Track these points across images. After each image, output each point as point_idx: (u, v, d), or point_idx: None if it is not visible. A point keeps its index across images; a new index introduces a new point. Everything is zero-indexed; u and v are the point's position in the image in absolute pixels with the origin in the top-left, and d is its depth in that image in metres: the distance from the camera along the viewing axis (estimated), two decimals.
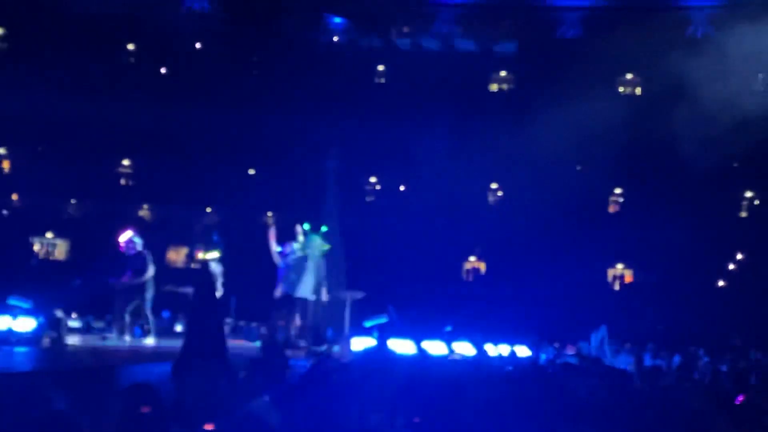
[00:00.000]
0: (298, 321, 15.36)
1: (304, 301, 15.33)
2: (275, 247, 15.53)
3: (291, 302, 15.30)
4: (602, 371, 11.28)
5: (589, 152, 35.17)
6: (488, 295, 33.60)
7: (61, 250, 39.03)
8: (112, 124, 35.07)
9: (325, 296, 15.67)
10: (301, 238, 15.82)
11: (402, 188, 39.38)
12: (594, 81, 35.60)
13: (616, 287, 38.40)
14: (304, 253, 15.68)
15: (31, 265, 36.26)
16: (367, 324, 17.42)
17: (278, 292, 15.59)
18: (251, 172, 39.05)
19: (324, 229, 16.15)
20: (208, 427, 4.19)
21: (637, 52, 36.34)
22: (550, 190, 34.39)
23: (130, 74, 38.24)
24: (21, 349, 12.37)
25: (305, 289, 15.38)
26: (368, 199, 39.55)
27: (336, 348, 13.95)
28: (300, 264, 15.51)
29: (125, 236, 15.08)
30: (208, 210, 34.99)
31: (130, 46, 39.69)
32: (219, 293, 15.41)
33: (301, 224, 16.10)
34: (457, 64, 38.16)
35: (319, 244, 15.72)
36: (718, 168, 35.73)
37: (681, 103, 33.64)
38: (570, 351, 20.83)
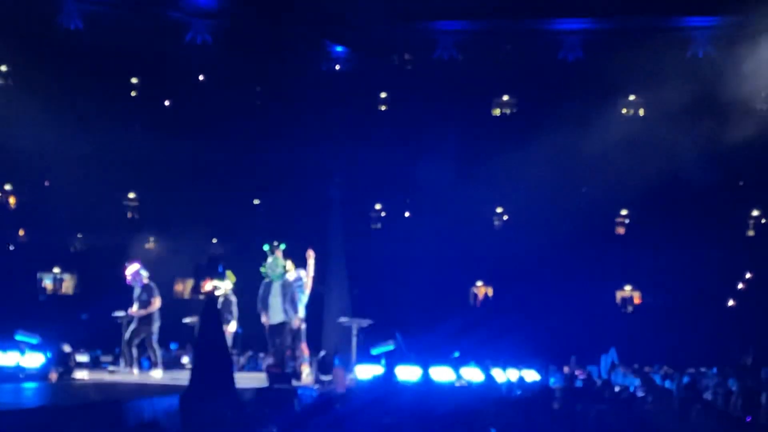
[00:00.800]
0: (299, 348, 15.14)
1: (278, 326, 15.04)
2: None
3: (279, 330, 15.05)
4: (612, 395, 11.24)
5: (594, 174, 35.24)
6: (496, 319, 33.47)
7: (68, 284, 39.06)
8: (116, 157, 35.21)
9: (296, 320, 15.11)
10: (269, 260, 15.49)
11: (407, 214, 39.39)
12: (597, 103, 35.72)
13: (625, 309, 38.26)
14: (268, 275, 15.40)
15: (39, 300, 36.29)
16: (375, 351, 17.38)
17: (264, 319, 15.40)
18: (256, 201, 39.13)
19: (282, 247, 15.54)
20: None
21: (639, 73, 36.45)
22: (556, 213, 34.39)
23: (134, 107, 38.43)
24: (29, 385, 12.35)
25: (274, 313, 15.08)
26: (374, 226, 39.55)
27: (329, 377, 13.67)
28: (267, 288, 15.31)
29: (132, 269, 15.13)
30: (214, 241, 34.98)
31: (134, 80, 39.89)
32: (234, 322, 15.52)
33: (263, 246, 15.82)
34: (460, 89, 38.25)
35: (280, 265, 15.28)
36: (724, 187, 35.75)
37: (685, 123, 33.72)
38: (579, 374, 20.73)
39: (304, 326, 15.21)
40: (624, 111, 39.82)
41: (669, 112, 33.86)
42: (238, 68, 38.10)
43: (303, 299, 15.27)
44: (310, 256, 15.44)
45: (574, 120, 33.88)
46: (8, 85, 37.50)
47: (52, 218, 35.17)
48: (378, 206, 39.72)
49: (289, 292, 15.05)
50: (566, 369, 24.39)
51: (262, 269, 15.43)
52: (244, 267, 16.92)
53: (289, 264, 15.38)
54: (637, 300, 38.56)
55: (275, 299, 14.94)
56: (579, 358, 26.72)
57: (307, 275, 15.34)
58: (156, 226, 37.03)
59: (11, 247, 37.91)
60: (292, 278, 15.26)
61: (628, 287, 38.61)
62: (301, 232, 32.89)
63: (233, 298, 15.71)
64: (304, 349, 15.13)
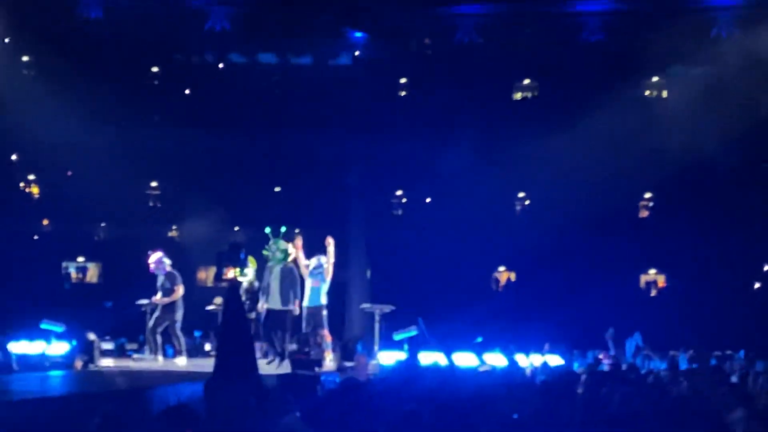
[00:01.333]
0: (322, 333, 15.02)
1: (277, 312, 14.78)
2: (303, 261, 15.36)
3: (277, 316, 14.86)
4: (637, 378, 11.16)
5: (617, 158, 34.98)
6: (519, 304, 33.43)
7: (92, 273, 39.31)
8: (138, 146, 35.32)
9: (296, 307, 14.85)
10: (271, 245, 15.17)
11: (428, 200, 39.29)
12: (619, 85, 35.43)
13: (650, 293, 38.07)
14: (270, 260, 15.08)
15: (64, 289, 36.54)
16: (397, 337, 17.38)
17: (261, 306, 15.20)
18: (277, 189, 39.16)
19: (283, 230, 15.20)
20: None
21: (662, 54, 36.06)
22: (578, 197, 34.21)
23: (154, 96, 38.49)
24: (54, 373, 12.43)
25: (273, 299, 14.80)
26: (395, 212, 39.49)
27: (352, 364, 13.61)
28: (268, 273, 15.05)
29: (155, 257, 15.18)
30: (236, 229, 35.05)
31: (154, 69, 39.95)
32: (262, 306, 15.32)
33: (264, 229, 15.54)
34: (480, 73, 38.04)
35: (281, 248, 15.00)
36: (749, 169, 35.42)
37: (709, 104, 33.40)
38: (604, 358, 20.65)
39: (325, 312, 15.16)
40: (647, 93, 39.48)
41: (693, 94, 33.58)
42: (257, 56, 38.11)
43: (324, 287, 15.20)
44: (330, 243, 15.32)
45: (596, 103, 33.63)
46: (29, 75, 37.63)
47: (76, 208, 35.34)
48: (399, 192, 39.63)
49: (289, 278, 14.81)
50: (590, 353, 24.29)
51: (264, 252, 15.21)
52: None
53: (291, 248, 15.12)
54: (661, 284, 38.37)
55: (275, 284, 14.71)
56: (603, 342, 26.60)
57: (328, 262, 15.24)
58: (178, 214, 37.19)
59: (35, 237, 38.17)
60: (313, 265, 15.21)
61: (652, 271, 38.42)
62: (322, 219, 32.96)
63: (256, 285, 15.64)
64: (327, 335, 15.07)
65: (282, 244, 14.99)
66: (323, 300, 15.04)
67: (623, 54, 35.34)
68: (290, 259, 15.11)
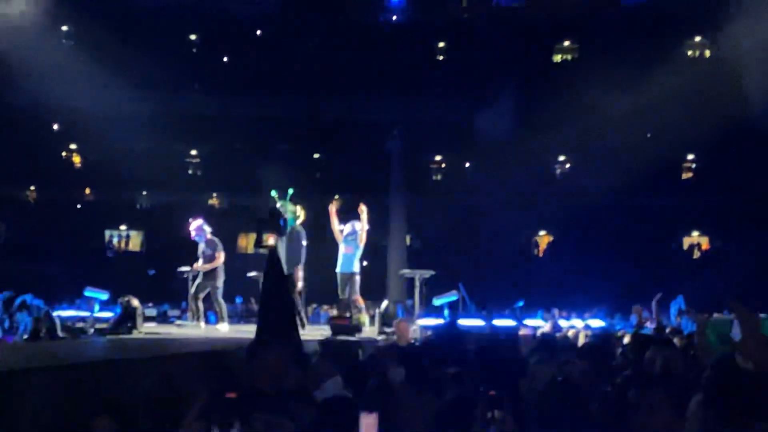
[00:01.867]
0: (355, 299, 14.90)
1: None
2: (337, 226, 15.24)
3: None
4: (680, 341, 11.06)
5: (659, 119, 34.56)
6: (560, 268, 33.27)
7: (135, 241, 39.72)
8: (178, 114, 35.51)
9: (299, 272, 14.09)
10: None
11: (467, 165, 39.17)
12: (661, 45, 34.94)
13: (692, 255, 37.72)
14: None
15: (107, 256, 36.99)
16: (437, 302, 17.37)
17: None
18: (316, 155, 39.22)
19: (290, 192, 14.57)
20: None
21: (704, 14, 35.49)
22: (620, 159, 33.90)
23: (194, 64, 38.63)
24: (98, 339, 12.59)
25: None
26: (434, 177, 39.42)
27: (392, 329, 13.49)
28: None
29: (195, 224, 15.22)
30: (273, 194, 35.21)
31: (192, 37, 40.05)
32: (301, 273, 15.05)
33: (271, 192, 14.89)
34: (520, 36, 37.69)
35: (290, 210, 14.26)
36: None
37: (752, 64, 32.79)
38: (647, 322, 20.50)
39: (358, 278, 15.06)
40: (689, 53, 38.91)
41: (735, 54, 33.02)
42: (295, 22, 38.04)
43: (357, 253, 15.09)
44: (363, 210, 15.06)
45: (637, 64, 33.22)
46: (70, 45, 37.87)
47: (118, 177, 35.67)
48: (438, 157, 39.53)
49: (296, 241, 14.13)
50: (632, 316, 24.08)
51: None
52: (304, 220, 16.88)
53: (299, 210, 14.55)
54: (705, 246, 38.01)
55: (281, 247, 13.67)
56: (647, 305, 26.40)
57: (362, 228, 15.03)
58: (218, 181, 37.41)
59: (78, 206, 38.60)
60: (347, 231, 15.03)
61: (695, 233, 38.05)
62: (361, 185, 32.96)
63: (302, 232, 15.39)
64: (359, 299, 15.02)
65: (290, 206, 14.35)
66: (356, 267, 14.89)
67: (665, 14, 34.80)
68: (298, 222, 14.51)
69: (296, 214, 14.33)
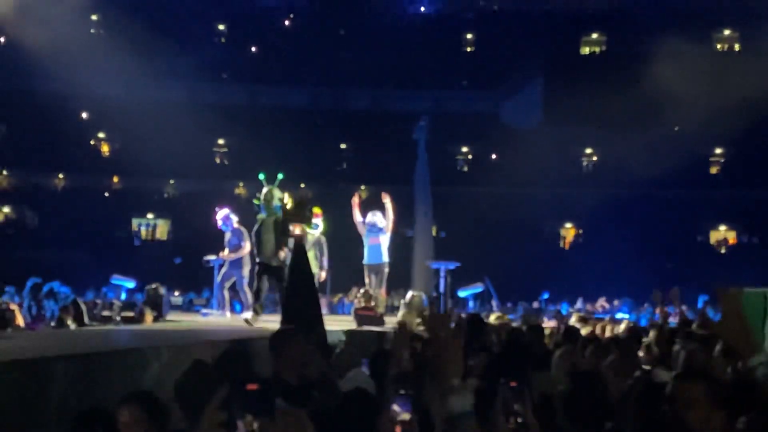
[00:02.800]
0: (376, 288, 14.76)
1: (267, 266, 12.89)
2: (358, 218, 15.14)
3: (269, 269, 13.02)
4: (705, 335, 11.00)
5: (687, 112, 34.26)
6: (586, 260, 33.12)
7: (161, 229, 39.90)
8: (206, 104, 35.65)
9: (279, 259, 12.76)
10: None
11: (494, 156, 39.04)
12: (690, 38, 34.64)
13: (719, 249, 37.45)
14: (261, 208, 13.21)
15: (134, 245, 37.19)
16: (462, 294, 17.36)
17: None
18: (343, 146, 39.25)
19: (280, 176, 13.39)
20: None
21: (733, 7, 35.20)
22: (647, 152, 33.68)
23: (222, 54, 38.74)
24: (124, 327, 12.67)
25: (267, 250, 12.89)
26: (460, 168, 39.33)
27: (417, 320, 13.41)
28: (260, 223, 13.17)
29: (222, 213, 15.26)
30: (302, 185, 35.29)
31: (221, 26, 40.17)
32: (325, 262, 15.00)
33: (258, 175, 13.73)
34: (547, 28, 37.51)
35: (276, 197, 13.08)
36: None
37: None
38: (672, 315, 20.41)
39: (386, 270, 14.99)
40: (718, 46, 38.56)
41: (764, 47, 32.70)
42: (323, 12, 38.06)
43: (383, 244, 14.99)
44: (387, 199, 14.88)
45: (664, 56, 32.93)
46: (100, 34, 38.09)
47: (145, 165, 35.84)
48: (465, 148, 39.43)
49: (279, 231, 12.84)
50: (658, 310, 23.95)
51: (256, 201, 13.54)
52: (331, 210, 16.90)
53: (287, 197, 13.33)
54: (732, 240, 37.71)
55: (267, 236, 12.93)
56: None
57: (387, 218, 14.90)
58: (245, 171, 37.49)
59: (106, 194, 38.86)
60: (370, 221, 14.91)
61: (723, 227, 37.76)
62: (387, 176, 32.95)
63: (323, 240, 15.47)
64: (382, 293, 14.98)
65: (277, 192, 13.17)
66: (385, 257, 14.83)
67: (693, 6, 34.51)
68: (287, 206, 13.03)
69: (283, 201, 13.07)
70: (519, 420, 2.90)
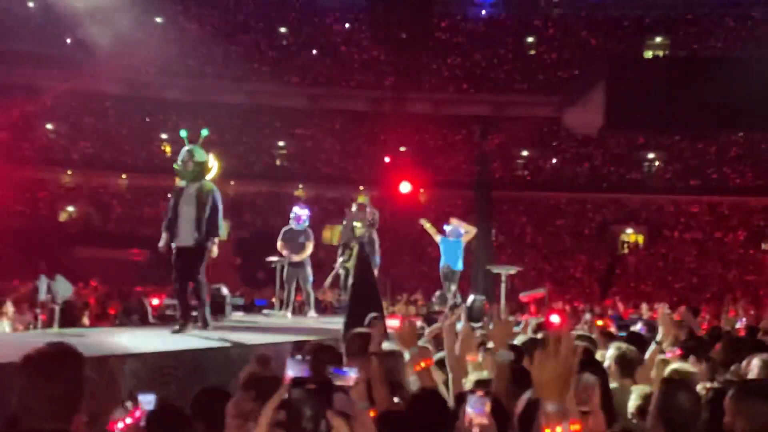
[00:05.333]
0: None
1: (185, 249, 9.77)
2: (437, 237, 15.51)
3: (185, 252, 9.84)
4: None
5: (752, 115, 33.73)
6: (644, 265, 32.82)
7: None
8: (267, 106, 35.98)
9: (213, 247, 9.93)
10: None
11: (554, 161, 38.76)
12: (754, 44, 34.19)
13: None
14: (180, 176, 10.16)
15: None
16: (524, 298, 17.30)
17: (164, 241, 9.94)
18: (402, 149, 39.29)
19: (204, 133, 10.43)
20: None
21: None
22: (709, 157, 33.24)
23: (283, 57, 39.04)
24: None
25: (184, 233, 9.80)
26: (520, 172, 39.10)
27: (479, 324, 13.45)
28: (178, 196, 10.09)
29: (305, 213, 14.99)
30: (361, 188, 35.42)
31: (282, 29, 40.50)
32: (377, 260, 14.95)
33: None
34: (610, 30, 37.22)
35: (197, 161, 9.99)
36: None
37: None
38: (741, 321, 20.10)
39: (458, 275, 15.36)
40: None
41: None
42: (384, 15, 38.16)
43: (459, 251, 15.32)
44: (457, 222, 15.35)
45: (728, 61, 32.50)
46: (164, 37, 38.64)
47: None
48: (525, 152, 39.21)
49: (207, 204, 9.96)
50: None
51: (175, 166, 10.30)
52: (386, 213, 16.96)
53: (213, 159, 10.45)
54: None
55: (187, 208, 9.86)
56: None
57: (466, 230, 15.31)
58: (304, 173, 37.71)
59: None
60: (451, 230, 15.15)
61: None
62: (447, 179, 32.95)
63: (375, 237, 15.42)
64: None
65: (199, 152, 10.09)
66: (459, 265, 15.31)
67: (756, 9, 33.97)
68: (210, 177, 10.38)
69: (206, 166, 10.18)
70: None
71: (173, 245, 9.86)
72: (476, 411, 2.69)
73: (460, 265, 15.41)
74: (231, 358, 7.58)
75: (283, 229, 14.53)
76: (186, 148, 10.16)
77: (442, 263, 15.51)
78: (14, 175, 30.99)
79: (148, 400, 3.15)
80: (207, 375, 6.93)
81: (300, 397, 2.17)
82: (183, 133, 10.61)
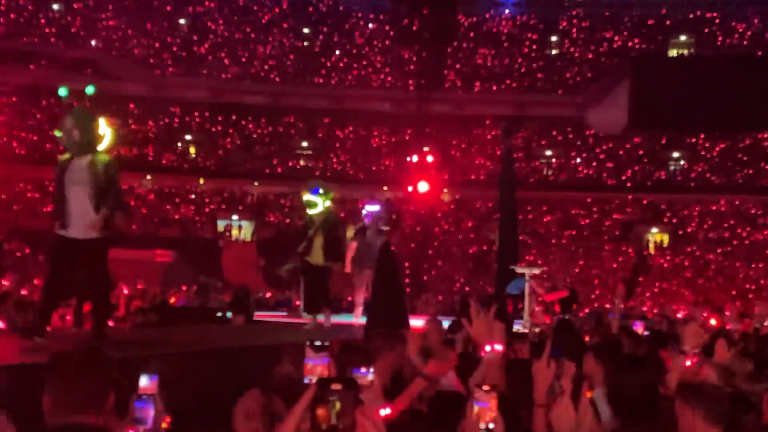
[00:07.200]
0: None
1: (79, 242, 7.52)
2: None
3: None
4: None
5: None
6: (671, 265, 32.64)
7: (247, 231, 40.35)
8: (290, 106, 36.12)
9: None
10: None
11: (578, 160, 38.60)
12: None
13: None
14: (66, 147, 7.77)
15: (218, 246, 37.68)
16: (548, 298, 17.25)
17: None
18: (426, 148, 39.23)
19: (90, 90, 8.84)
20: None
21: None
22: (735, 156, 33.00)
23: (307, 57, 39.15)
24: (214, 326, 12.89)
25: (76, 227, 7.48)
26: (544, 173, 38.97)
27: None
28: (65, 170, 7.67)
29: (377, 210, 14.80)
30: (384, 188, 35.44)
31: (306, 30, 40.62)
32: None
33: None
34: (634, 29, 37.05)
35: (88, 128, 7.67)
36: None
37: None
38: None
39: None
40: None
41: None
42: (407, 15, 38.18)
43: None
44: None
45: (753, 58, 32.26)
46: (189, 37, 38.85)
47: (229, 167, 36.38)
48: (549, 152, 39.08)
49: (108, 184, 7.68)
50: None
51: (57, 133, 7.89)
52: (411, 214, 16.96)
53: (105, 126, 7.97)
54: None
55: (83, 188, 7.61)
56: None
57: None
58: (327, 174, 37.77)
59: (192, 196, 39.45)
60: None
61: None
62: (472, 180, 32.90)
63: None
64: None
65: (78, 114, 7.81)
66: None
67: None
68: (103, 147, 7.87)
69: (99, 131, 7.79)
70: None
71: (60, 233, 7.54)
72: (483, 405, 2.69)
73: None
74: (257, 358, 7.61)
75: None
76: (69, 113, 7.74)
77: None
78: (39, 176, 31.21)
79: (149, 384, 2.89)
80: (237, 374, 6.97)
81: (326, 397, 2.19)
82: (63, 92, 8.63)
